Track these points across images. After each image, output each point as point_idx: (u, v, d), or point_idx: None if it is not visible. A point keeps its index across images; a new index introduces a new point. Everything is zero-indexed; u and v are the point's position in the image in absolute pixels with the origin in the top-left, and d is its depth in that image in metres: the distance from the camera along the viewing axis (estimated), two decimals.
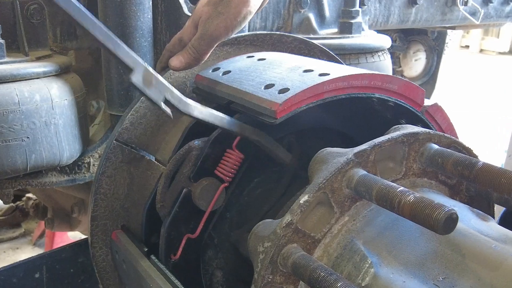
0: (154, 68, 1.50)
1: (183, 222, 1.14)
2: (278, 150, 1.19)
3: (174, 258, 1.15)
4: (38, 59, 1.52)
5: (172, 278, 1.08)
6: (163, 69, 1.33)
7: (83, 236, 2.55)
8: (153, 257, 1.16)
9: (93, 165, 1.68)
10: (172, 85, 1.29)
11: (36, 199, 2.83)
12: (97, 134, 1.74)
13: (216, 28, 1.20)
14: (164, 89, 1.06)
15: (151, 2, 1.55)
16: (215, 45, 1.23)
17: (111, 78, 1.57)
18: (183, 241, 1.14)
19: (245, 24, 1.23)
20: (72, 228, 2.28)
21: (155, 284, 1.09)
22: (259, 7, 1.23)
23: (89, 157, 1.68)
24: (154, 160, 1.30)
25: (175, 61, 1.27)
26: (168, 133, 1.31)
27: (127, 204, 1.31)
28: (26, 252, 3.43)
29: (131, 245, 1.21)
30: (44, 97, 1.44)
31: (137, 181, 1.31)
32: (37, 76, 1.45)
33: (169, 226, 1.12)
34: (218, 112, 1.11)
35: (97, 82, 1.82)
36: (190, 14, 1.54)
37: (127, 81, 1.51)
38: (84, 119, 1.61)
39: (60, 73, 1.52)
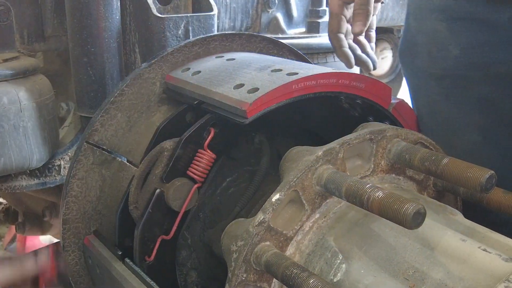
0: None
1: (156, 223, 1.14)
2: None
3: (148, 260, 1.15)
4: (5, 61, 1.50)
5: (148, 280, 1.08)
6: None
7: (55, 240, 2.52)
8: (127, 260, 1.15)
9: (64, 167, 1.67)
10: (142, 86, 1.30)
11: (6, 204, 2.79)
12: (67, 136, 1.73)
13: None
14: None
15: (119, 3, 1.54)
16: None
17: (80, 80, 1.56)
18: (158, 243, 1.14)
19: None
20: (43, 232, 2.25)
21: (131, 287, 1.09)
22: None
23: (59, 159, 1.67)
24: (126, 162, 1.30)
25: (358, 27, 1.46)
26: (140, 134, 1.31)
27: (99, 206, 1.31)
28: None
29: (104, 249, 1.20)
30: (12, 100, 1.42)
31: (109, 183, 1.30)
32: (5, 79, 1.43)
33: (142, 228, 1.12)
34: None
35: (66, 84, 1.81)
36: (158, 14, 1.54)
37: None
38: (53, 121, 1.59)
39: (28, 75, 1.51)
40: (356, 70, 2.25)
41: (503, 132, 1.24)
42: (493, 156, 1.24)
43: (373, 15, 1.50)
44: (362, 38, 1.58)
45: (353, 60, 1.57)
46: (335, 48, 1.59)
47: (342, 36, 1.56)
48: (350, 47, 1.58)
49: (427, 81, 1.29)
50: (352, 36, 1.57)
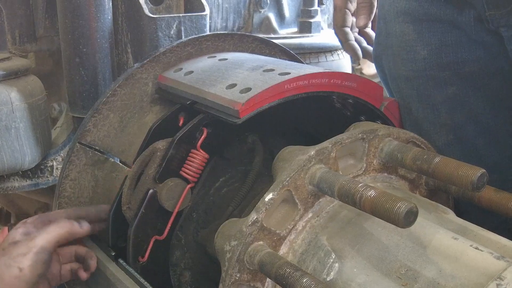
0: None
1: (150, 223, 1.14)
2: None
3: (142, 261, 1.15)
4: None
5: (141, 280, 1.08)
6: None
7: None
8: (120, 260, 1.15)
9: (57, 168, 1.66)
10: (134, 86, 1.30)
11: None
12: (59, 137, 1.73)
13: None
14: None
15: (111, 3, 1.54)
16: None
17: (73, 80, 1.56)
18: (151, 243, 1.14)
19: None
20: None
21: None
22: None
23: (52, 160, 1.66)
24: (118, 162, 1.30)
25: (362, 20, 1.50)
26: (132, 134, 1.31)
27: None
28: None
29: (97, 250, 1.20)
30: (4, 101, 1.42)
31: (102, 183, 1.30)
32: None
33: (136, 228, 1.12)
34: None
35: (58, 84, 1.80)
36: (150, 15, 1.54)
37: None
38: (45, 122, 1.59)
39: (20, 76, 1.51)
40: (348, 69, 2.26)
41: (471, 130, 1.26)
42: (464, 155, 1.26)
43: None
44: (368, 30, 1.61)
45: (360, 53, 1.61)
46: (341, 42, 1.62)
47: (347, 29, 1.59)
48: (356, 40, 1.60)
49: (399, 83, 1.31)
50: (357, 29, 1.60)
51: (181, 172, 1.14)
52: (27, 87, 1.49)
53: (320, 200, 0.98)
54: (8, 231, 2.17)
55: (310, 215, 0.97)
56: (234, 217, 1.09)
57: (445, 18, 1.21)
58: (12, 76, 1.47)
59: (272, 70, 1.15)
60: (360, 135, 1.00)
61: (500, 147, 1.28)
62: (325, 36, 2.23)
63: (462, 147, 1.27)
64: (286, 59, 1.43)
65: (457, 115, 1.26)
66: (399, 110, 1.31)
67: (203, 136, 1.14)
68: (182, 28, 1.57)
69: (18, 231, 1.09)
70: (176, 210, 1.13)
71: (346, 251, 0.91)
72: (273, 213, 0.95)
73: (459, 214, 1.01)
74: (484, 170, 0.88)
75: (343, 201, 0.90)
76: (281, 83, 1.08)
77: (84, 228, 1.14)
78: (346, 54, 2.24)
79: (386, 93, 1.32)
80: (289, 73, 1.11)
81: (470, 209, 1.13)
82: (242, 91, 1.09)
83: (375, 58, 1.44)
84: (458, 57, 1.22)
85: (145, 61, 1.31)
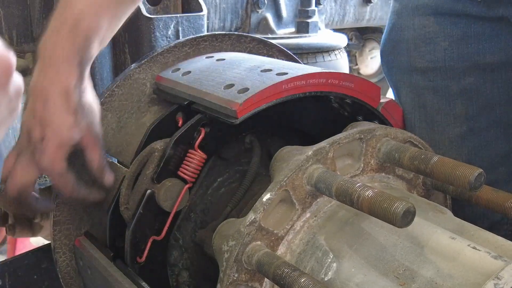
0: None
1: (148, 224, 1.14)
2: None
3: (140, 261, 1.15)
4: None
5: (139, 280, 1.08)
6: None
7: (46, 242, 2.51)
8: (119, 261, 1.15)
9: None
10: (132, 86, 1.30)
11: None
12: None
13: None
14: None
15: None
16: None
17: None
18: (149, 243, 1.14)
19: None
20: (34, 234, 2.23)
21: None
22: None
23: None
24: (116, 162, 1.30)
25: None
26: (130, 134, 1.31)
27: (90, 207, 1.30)
28: None
29: (95, 250, 1.20)
30: None
31: None
32: None
33: (134, 228, 1.12)
34: None
35: None
36: (148, 15, 1.54)
37: None
38: None
39: None
40: (346, 69, 2.26)
41: (483, 121, 1.27)
42: (476, 147, 1.27)
43: None
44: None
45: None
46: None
47: None
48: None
49: (412, 76, 1.31)
50: None
51: (179, 173, 1.14)
52: (25, 87, 1.49)
53: (318, 200, 0.98)
54: (6, 231, 2.17)
55: (308, 215, 0.97)
56: (232, 217, 1.09)
57: (471, 14, 1.21)
58: None
59: (269, 70, 1.15)
60: (357, 135, 1.00)
61: (510, 139, 1.28)
62: (322, 36, 2.23)
63: (474, 139, 1.27)
64: (283, 59, 1.43)
65: (472, 106, 1.26)
66: (401, 108, 1.32)
67: (200, 136, 1.14)
68: (180, 28, 1.57)
69: None
70: (174, 211, 1.13)
71: (344, 251, 0.91)
72: (271, 213, 0.95)
73: (456, 213, 1.01)
74: (481, 170, 0.88)
75: (340, 201, 0.90)
76: (279, 83, 1.08)
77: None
78: (344, 53, 2.25)
79: (383, 93, 1.32)
80: (286, 73, 1.11)
81: (467, 209, 1.13)
82: (239, 91, 1.09)
83: (382, 54, 1.43)
84: (480, 48, 1.22)
85: (142, 61, 1.31)
